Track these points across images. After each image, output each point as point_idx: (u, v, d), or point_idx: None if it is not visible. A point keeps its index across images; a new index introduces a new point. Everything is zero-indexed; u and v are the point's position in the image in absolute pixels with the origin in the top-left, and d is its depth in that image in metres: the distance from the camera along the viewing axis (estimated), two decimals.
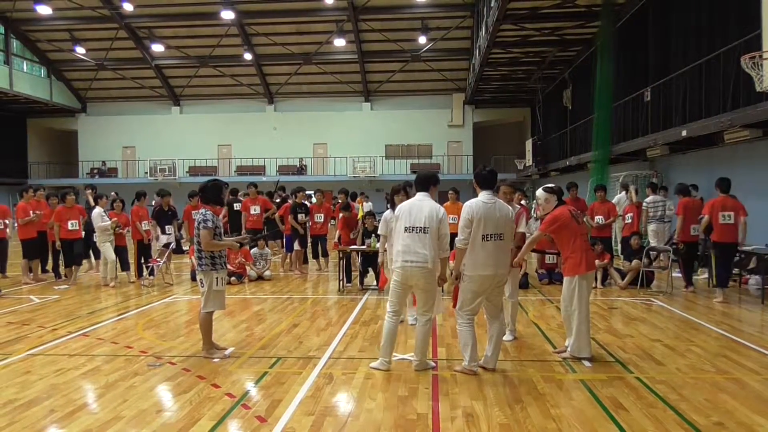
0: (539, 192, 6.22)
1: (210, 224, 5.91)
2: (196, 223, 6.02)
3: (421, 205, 5.49)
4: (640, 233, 11.35)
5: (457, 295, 5.57)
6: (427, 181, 5.69)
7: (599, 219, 11.00)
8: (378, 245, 8.72)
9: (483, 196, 5.48)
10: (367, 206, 17.33)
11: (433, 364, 5.73)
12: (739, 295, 9.81)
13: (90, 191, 12.75)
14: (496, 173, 5.68)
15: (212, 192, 6.13)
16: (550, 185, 6.33)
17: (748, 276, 10.45)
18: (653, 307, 8.82)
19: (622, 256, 12.08)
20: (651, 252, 10.85)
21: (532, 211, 13.52)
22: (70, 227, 11.04)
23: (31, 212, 11.43)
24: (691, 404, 4.70)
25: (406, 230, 5.45)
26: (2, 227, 11.57)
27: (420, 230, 5.40)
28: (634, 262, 10.43)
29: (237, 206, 13.10)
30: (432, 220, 5.41)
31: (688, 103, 13.10)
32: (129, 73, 33.68)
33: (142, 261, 11.42)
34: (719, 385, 5.15)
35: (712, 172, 13.42)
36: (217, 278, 6.00)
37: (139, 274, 11.41)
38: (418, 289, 5.56)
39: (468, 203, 5.47)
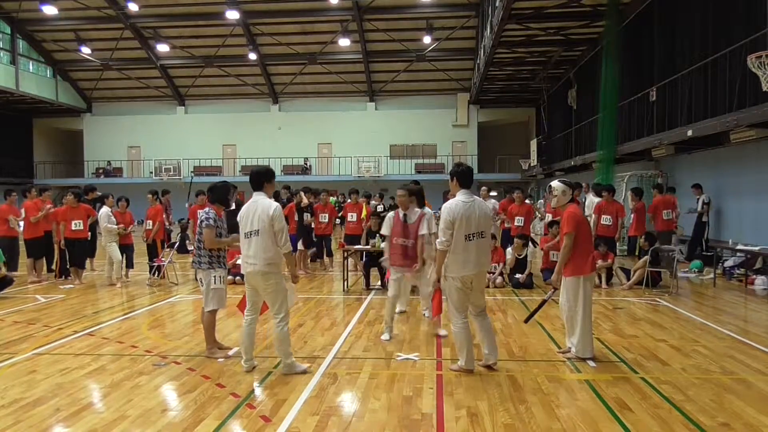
0: (557, 183, 6.01)
1: (212, 222, 6.00)
2: (198, 222, 6.13)
3: (255, 207, 5.43)
4: (650, 233, 11.33)
5: (438, 303, 5.53)
6: (259, 178, 5.55)
7: (606, 219, 11.02)
8: (383, 245, 8.73)
9: (461, 195, 5.40)
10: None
11: (306, 366, 5.56)
12: (745, 296, 9.77)
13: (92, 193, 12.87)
14: (473, 170, 5.61)
15: (220, 192, 6.21)
16: (565, 179, 6.21)
17: (755, 276, 10.41)
18: (659, 307, 8.78)
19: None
20: (659, 253, 10.80)
21: (540, 207, 13.50)
22: (74, 227, 11.06)
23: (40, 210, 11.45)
24: (696, 405, 4.68)
25: (245, 235, 5.45)
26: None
27: (254, 233, 5.37)
28: (642, 260, 10.36)
29: None
30: (262, 220, 5.34)
31: (693, 102, 13.04)
32: (134, 73, 33.80)
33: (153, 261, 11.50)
34: (725, 386, 5.12)
35: (718, 172, 13.37)
36: (215, 276, 6.05)
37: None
38: (262, 292, 5.49)
39: (447, 205, 5.38)
